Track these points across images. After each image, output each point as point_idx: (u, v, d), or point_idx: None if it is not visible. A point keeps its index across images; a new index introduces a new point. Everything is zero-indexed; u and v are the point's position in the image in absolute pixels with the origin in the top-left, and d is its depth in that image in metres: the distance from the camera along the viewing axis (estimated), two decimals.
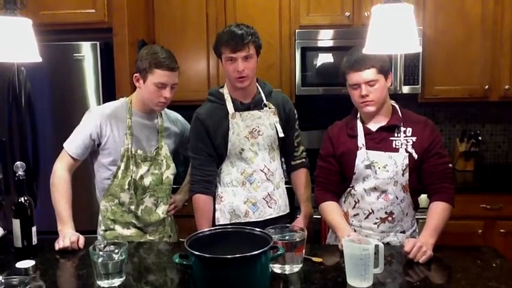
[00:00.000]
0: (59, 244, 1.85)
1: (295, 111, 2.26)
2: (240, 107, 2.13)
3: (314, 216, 2.29)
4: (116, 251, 1.55)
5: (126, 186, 2.04)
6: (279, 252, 1.48)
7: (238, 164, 2.12)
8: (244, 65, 2.02)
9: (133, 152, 2.05)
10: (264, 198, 2.13)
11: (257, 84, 2.19)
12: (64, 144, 2.06)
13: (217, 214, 2.15)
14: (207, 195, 2.13)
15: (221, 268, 1.36)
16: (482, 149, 3.45)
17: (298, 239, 1.65)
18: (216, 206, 2.15)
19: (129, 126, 2.05)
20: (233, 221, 2.11)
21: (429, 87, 3.12)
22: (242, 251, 1.36)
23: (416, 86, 3.04)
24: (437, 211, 1.85)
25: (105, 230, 2.11)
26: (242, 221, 2.09)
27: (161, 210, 2.14)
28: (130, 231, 2.10)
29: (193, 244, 1.43)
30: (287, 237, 1.66)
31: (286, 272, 1.62)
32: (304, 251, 1.68)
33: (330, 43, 3.08)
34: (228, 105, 2.12)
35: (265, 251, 1.39)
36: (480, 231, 2.88)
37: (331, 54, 3.10)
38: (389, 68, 1.93)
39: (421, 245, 1.70)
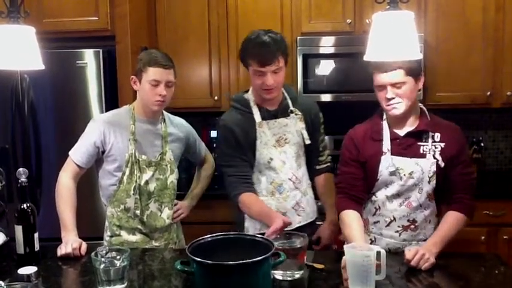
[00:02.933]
0: (61, 250, 1.86)
1: (321, 115, 2.22)
2: (267, 115, 2.08)
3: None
4: (118, 257, 1.55)
5: (132, 192, 2.05)
6: (280, 259, 1.48)
7: (267, 174, 2.09)
8: (273, 78, 1.97)
9: (137, 158, 2.06)
10: (293, 207, 2.10)
11: (283, 89, 2.13)
12: (69, 152, 2.08)
13: (246, 223, 2.11)
14: (250, 193, 2.03)
15: (223, 275, 1.36)
16: (485, 155, 3.44)
17: (299, 245, 1.64)
18: (246, 215, 2.10)
19: (132, 132, 2.07)
20: (263, 231, 1.98)
21: (431, 94, 3.12)
22: (244, 257, 1.36)
23: (418, 93, 3.03)
24: (451, 221, 1.81)
25: (111, 236, 2.12)
26: None
27: (166, 215, 2.14)
28: (136, 237, 2.11)
29: (195, 250, 1.43)
30: (288, 244, 1.65)
31: (288, 279, 1.62)
32: (305, 257, 1.67)
33: (332, 50, 3.09)
34: (255, 114, 2.08)
35: (267, 258, 1.39)
36: (483, 238, 2.86)
37: (332, 61, 3.11)
38: (420, 70, 1.82)
39: (423, 252, 1.69)
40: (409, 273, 1.67)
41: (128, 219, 2.09)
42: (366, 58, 1.60)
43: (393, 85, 1.78)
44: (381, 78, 1.79)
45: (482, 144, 3.29)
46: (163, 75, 2.01)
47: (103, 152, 2.08)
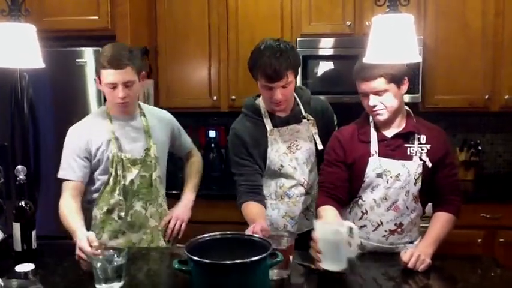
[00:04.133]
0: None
1: (335, 118, 2.18)
2: (278, 122, 2.06)
3: None
4: (116, 255, 1.55)
5: (117, 192, 1.98)
6: (277, 259, 1.48)
7: (277, 179, 2.08)
8: (281, 92, 1.92)
9: (120, 157, 1.98)
10: (302, 212, 2.10)
11: (294, 94, 2.08)
12: (59, 175, 1.96)
13: None
14: (256, 202, 1.99)
15: (220, 274, 1.36)
16: (483, 158, 3.45)
17: (285, 245, 1.62)
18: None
19: (112, 131, 1.99)
20: (272, 234, 1.91)
21: (430, 97, 3.13)
22: (242, 257, 1.36)
23: (417, 95, 3.05)
24: (441, 221, 1.82)
25: None
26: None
27: (150, 214, 2.07)
28: (117, 241, 2.02)
29: (192, 250, 1.43)
30: (275, 244, 1.60)
31: (274, 278, 1.60)
32: (292, 256, 1.65)
33: (331, 52, 3.10)
34: (266, 121, 2.06)
35: (265, 257, 1.39)
36: (480, 240, 2.87)
37: (332, 63, 3.12)
38: (404, 74, 1.81)
39: (419, 254, 1.69)
40: (406, 275, 1.67)
41: (111, 221, 2.01)
42: (365, 60, 1.61)
43: (375, 93, 1.79)
44: (363, 86, 1.81)
45: (480, 148, 3.30)
46: (118, 77, 1.88)
47: (90, 160, 1.98)
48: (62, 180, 1.97)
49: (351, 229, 1.51)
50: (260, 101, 2.10)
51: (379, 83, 1.78)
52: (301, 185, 2.09)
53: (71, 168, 1.95)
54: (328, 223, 1.53)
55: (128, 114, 2.05)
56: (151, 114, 2.13)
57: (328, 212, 1.80)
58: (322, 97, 2.28)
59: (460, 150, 3.32)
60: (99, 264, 1.52)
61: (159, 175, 2.09)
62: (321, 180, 1.94)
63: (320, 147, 2.06)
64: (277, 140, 2.05)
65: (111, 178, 1.98)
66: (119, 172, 1.97)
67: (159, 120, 2.14)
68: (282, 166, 2.06)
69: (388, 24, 1.50)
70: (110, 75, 1.88)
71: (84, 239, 1.69)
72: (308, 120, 2.08)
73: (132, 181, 2.00)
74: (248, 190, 2.03)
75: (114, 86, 1.90)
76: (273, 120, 2.07)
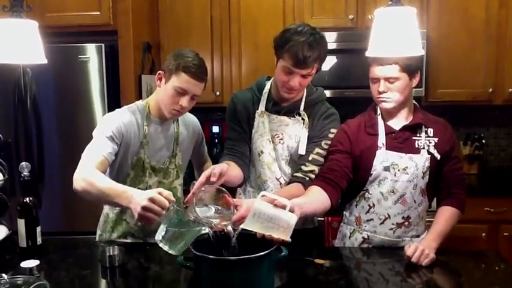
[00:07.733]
0: (140, 205, 1.50)
1: (333, 131, 1.98)
2: (271, 108, 2.03)
3: (318, 219, 2.27)
4: (195, 226, 1.47)
5: None
6: (282, 254, 1.48)
7: (256, 165, 2.05)
8: (299, 80, 1.88)
9: (147, 162, 1.93)
10: None
11: (305, 90, 2.02)
12: (84, 153, 1.81)
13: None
14: (233, 163, 1.96)
15: (225, 270, 1.37)
16: (486, 152, 3.44)
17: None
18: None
19: (145, 134, 1.92)
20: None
21: (433, 90, 3.12)
22: (246, 252, 1.36)
23: (420, 89, 3.03)
24: (446, 216, 1.83)
25: (101, 234, 2.03)
26: None
27: None
28: (125, 241, 1.97)
29: (197, 245, 1.43)
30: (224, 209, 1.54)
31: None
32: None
33: (334, 46, 3.08)
34: (261, 102, 2.04)
35: (269, 253, 1.39)
36: (484, 234, 2.87)
37: (334, 57, 3.10)
38: (418, 68, 1.82)
39: (423, 248, 1.69)
40: (409, 269, 1.67)
41: (123, 222, 1.99)
42: (367, 54, 1.60)
43: (386, 79, 1.79)
44: (376, 71, 1.81)
45: (483, 141, 3.29)
46: (194, 88, 1.83)
47: (118, 151, 1.89)
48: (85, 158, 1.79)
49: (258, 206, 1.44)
50: (269, 82, 2.07)
51: (393, 70, 1.77)
52: (278, 180, 2.03)
53: (101, 145, 1.81)
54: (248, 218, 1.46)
55: (171, 119, 1.97)
56: (183, 120, 2.07)
57: (310, 192, 1.78)
58: (330, 91, 2.17)
59: (463, 144, 3.31)
60: (174, 220, 1.46)
61: (180, 183, 2.06)
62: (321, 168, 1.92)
63: (301, 152, 1.96)
64: (265, 125, 2.02)
65: (129, 179, 1.93)
66: (139, 177, 1.94)
67: (188, 126, 2.09)
68: (261, 152, 2.02)
69: (390, 17, 1.49)
70: (188, 82, 1.82)
71: (153, 191, 1.53)
72: (302, 119, 1.99)
73: (149, 187, 1.94)
74: (230, 153, 2.04)
75: (182, 93, 1.83)
76: (268, 104, 2.04)
